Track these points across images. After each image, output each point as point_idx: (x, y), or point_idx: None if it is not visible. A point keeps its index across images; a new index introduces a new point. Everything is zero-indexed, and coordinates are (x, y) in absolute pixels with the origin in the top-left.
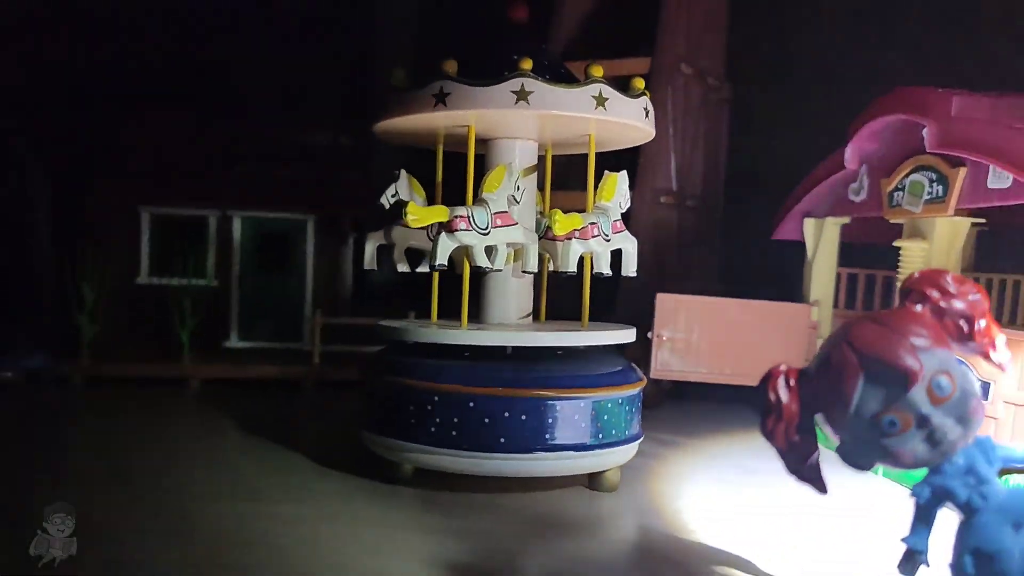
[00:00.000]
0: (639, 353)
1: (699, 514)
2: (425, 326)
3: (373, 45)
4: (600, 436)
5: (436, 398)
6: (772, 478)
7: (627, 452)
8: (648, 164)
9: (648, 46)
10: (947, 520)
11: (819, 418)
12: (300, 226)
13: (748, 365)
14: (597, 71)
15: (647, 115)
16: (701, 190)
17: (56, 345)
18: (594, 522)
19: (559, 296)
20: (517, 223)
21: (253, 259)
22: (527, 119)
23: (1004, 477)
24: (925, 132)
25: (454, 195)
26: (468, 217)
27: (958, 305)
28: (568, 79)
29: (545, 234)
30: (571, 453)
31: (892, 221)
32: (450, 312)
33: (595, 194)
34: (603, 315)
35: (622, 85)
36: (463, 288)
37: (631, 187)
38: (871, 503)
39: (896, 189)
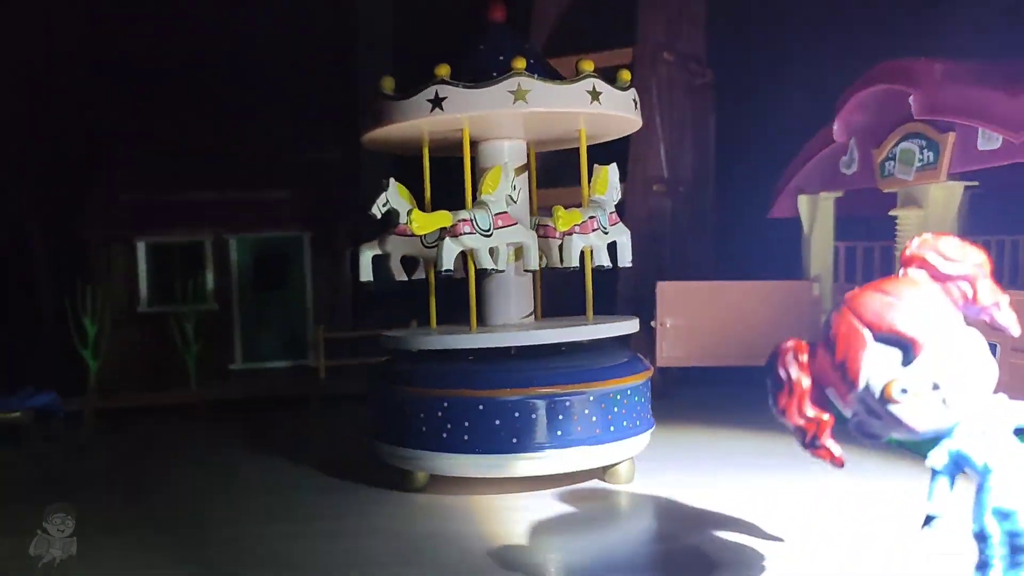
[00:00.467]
0: (643, 343)
1: (717, 500)
2: (429, 333)
3: (355, 59)
4: (611, 429)
5: (445, 404)
6: (789, 460)
7: (640, 443)
8: (638, 154)
9: (627, 37)
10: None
11: (830, 391)
12: (296, 243)
13: (753, 346)
14: (588, 65)
15: (635, 106)
16: (692, 176)
17: (63, 382)
18: (612, 515)
19: (548, 293)
20: (517, 223)
21: (252, 280)
22: (516, 119)
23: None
24: (912, 100)
25: (441, 201)
26: (471, 220)
27: (960, 269)
28: (558, 76)
29: (538, 231)
30: (584, 448)
31: (885, 191)
32: (449, 317)
33: (588, 188)
34: (603, 308)
35: (609, 77)
36: (469, 291)
37: (622, 178)
38: (890, 480)
39: (887, 159)
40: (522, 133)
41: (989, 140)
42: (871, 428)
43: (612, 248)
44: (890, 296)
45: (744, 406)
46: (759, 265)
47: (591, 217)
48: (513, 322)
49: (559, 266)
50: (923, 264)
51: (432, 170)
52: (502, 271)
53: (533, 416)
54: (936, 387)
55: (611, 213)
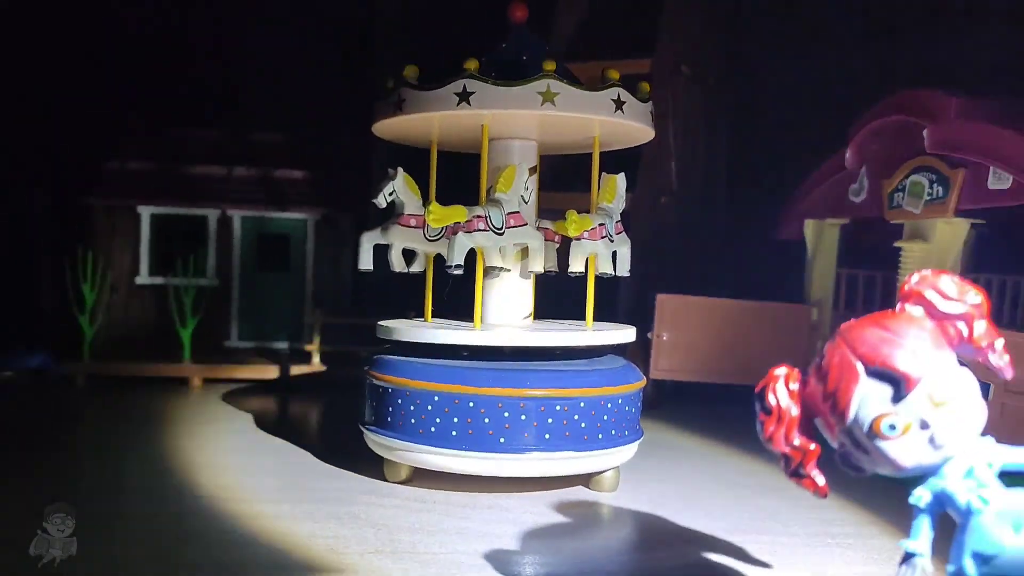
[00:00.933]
0: (639, 353)
1: (699, 516)
2: (425, 326)
3: (371, 44)
4: (600, 436)
5: (436, 398)
6: (772, 480)
7: (627, 453)
8: (648, 164)
9: (648, 47)
10: (947, 523)
11: (818, 422)
12: (300, 226)
13: (749, 365)
14: (614, 74)
15: (651, 117)
16: (702, 190)
17: (57, 345)
18: (593, 523)
19: (548, 296)
20: (527, 223)
21: (253, 258)
22: (535, 120)
23: (1003, 479)
24: (925, 133)
25: (445, 196)
26: (486, 217)
27: (957, 308)
28: (580, 81)
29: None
30: (571, 453)
31: (892, 222)
32: (447, 312)
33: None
34: (602, 316)
35: (630, 88)
36: (476, 288)
37: (630, 187)
38: (875, 514)
39: (896, 190)
40: (535, 134)
41: (1000, 179)
42: (857, 461)
43: (612, 257)
44: (886, 331)
45: (735, 424)
46: (762, 284)
47: (601, 224)
48: (511, 323)
49: (555, 270)
50: (921, 300)
51: (426, 163)
52: (508, 270)
53: (522, 417)
54: (925, 426)
55: (617, 222)
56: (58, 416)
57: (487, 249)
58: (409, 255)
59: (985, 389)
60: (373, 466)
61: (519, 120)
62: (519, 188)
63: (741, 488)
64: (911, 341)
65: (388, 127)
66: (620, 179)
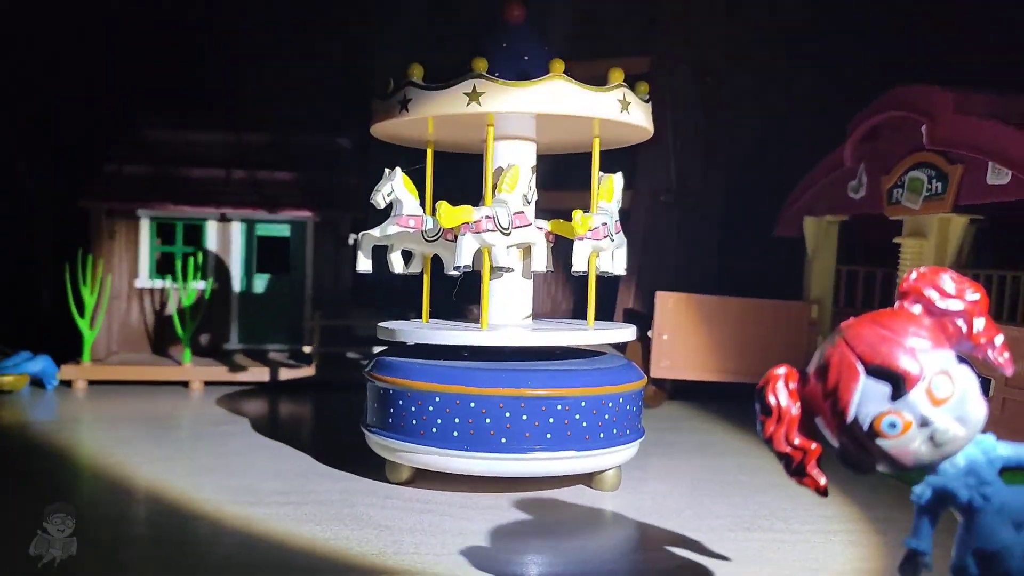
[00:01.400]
0: (639, 352)
1: (700, 514)
2: (424, 327)
3: (369, 44)
4: (601, 436)
5: (437, 399)
6: (773, 477)
7: (628, 452)
8: (647, 163)
9: (645, 45)
10: (949, 521)
11: (818, 420)
12: (299, 228)
13: (748, 364)
14: (619, 75)
15: (651, 117)
16: (700, 188)
17: (57, 350)
18: (595, 523)
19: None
20: (531, 223)
21: (252, 261)
22: (538, 120)
23: (1004, 476)
24: (924, 129)
25: (436, 196)
26: (494, 217)
27: (956, 305)
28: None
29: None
30: (572, 453)
31: (892, 218)
32: (444, 312)
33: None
34: (601, 315)
35: (631, 87)
36: (483, 288)
37: (626, 186)
38: (875, 510)
39: (895, 186)
40: (535, 134)
41: (998, 175)
42: (857, 460)
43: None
44: (885, 329)
45: (736, 422)
46: (762, 282)
47: (603, 223)
48: (512, 322)
49: (552, 270)
50: (919, 298)
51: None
52: (513, 270)
53: (523, 417)
54: (925, 423)
55: (616, 221)
56: (58, 419)
57: (494, 249)
58: (406, 256)
59: (985, 385)
60: (375, 467)
61: (520, 120)
62: (523, 188)
63: (742, 485)
64: (910, 339)
65: (386, 128)
66: (618, 178)
